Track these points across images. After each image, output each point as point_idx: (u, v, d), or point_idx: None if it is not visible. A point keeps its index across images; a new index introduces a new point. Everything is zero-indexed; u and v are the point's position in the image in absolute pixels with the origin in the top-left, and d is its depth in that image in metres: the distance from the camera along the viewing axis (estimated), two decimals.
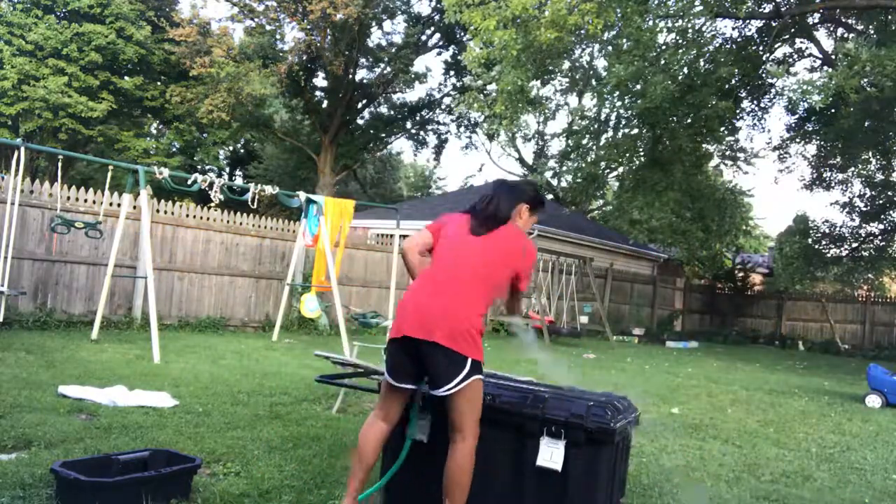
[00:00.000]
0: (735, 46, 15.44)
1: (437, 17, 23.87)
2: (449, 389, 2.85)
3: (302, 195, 10.05)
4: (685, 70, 14.00)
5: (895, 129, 15.67)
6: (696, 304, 23.98)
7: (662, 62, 13.22)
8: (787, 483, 4.58)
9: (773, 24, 14.33)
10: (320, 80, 25.89)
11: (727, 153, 18.48)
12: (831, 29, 17.61)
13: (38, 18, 19.64)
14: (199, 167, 27.04)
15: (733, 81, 15.15)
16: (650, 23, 12.95)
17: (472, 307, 2.93)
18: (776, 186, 74.50)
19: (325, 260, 9.95)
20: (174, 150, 24.36)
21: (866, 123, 15.53)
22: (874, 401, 8.92)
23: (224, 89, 20.15)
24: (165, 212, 10.69)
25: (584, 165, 18.25)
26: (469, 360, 2.86)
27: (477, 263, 3.00)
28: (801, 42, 17.29)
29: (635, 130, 16.89)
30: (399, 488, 3.27)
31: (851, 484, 4.72)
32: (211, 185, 8.86)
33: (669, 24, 13.30)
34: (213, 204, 9.61)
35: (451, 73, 26.30)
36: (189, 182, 8.90)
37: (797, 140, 18.81)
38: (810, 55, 17.48)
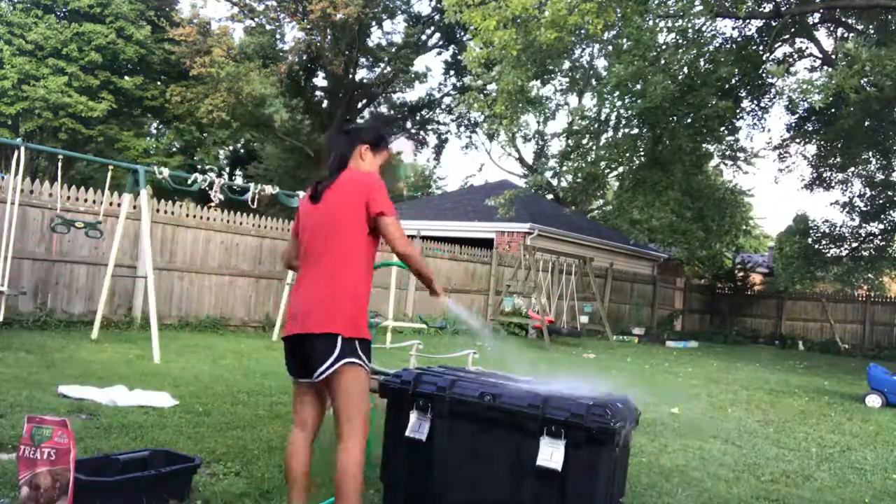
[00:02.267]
0: (735, 46, 15.44)
1: (437, 17, 23.88)
2: (322, 373, 2.66)
3: (302, 195, 10.04)
4: (685, 70, 14.01)
5: (895, 128, 15.68)
6: (696, 304, 23.98)
7: (662, 62, 13.22)
8: (787, 483, 4.59)
9: (773, 24, 14.33)
10: (320, 80, 25.92)
11: (727, 153, 18.47)
12: (831, 29, 17.61)
13: (38, 18, 19.63)
14: (199, 167, 27.03)
15: (733, 81, 15.15)
16: (650, 23, 12.96)
17: (337, 284, 2.71)
18: (776, 186, 74.53)
19: None
20: (174, 149, 24.37)
21: (866, 123, 15.54)
22: (874, 400, 8.92)
23: (224, 89, 20.15)
24: (165, 212, 10.68)
25: (584, 165, 18.27)
26: (339, 338, 2.64)
27: (323, 235, 2.75)
28: (801, 42, 17.30)
29: (635, 130, 16.89)
30: (399, 488, 3.27)
31: (851, 484, 4.72)
32: (211, 184, 8.86)
33: (669, 24, 13.30)
34: (213, 204, 9.60)
35: (451, 72, 26.32)
36: (189, 182, 8.90)
37: (797, 140, 18.82)
38: (810, 55, 17.49)
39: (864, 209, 19.22)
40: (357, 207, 2.74)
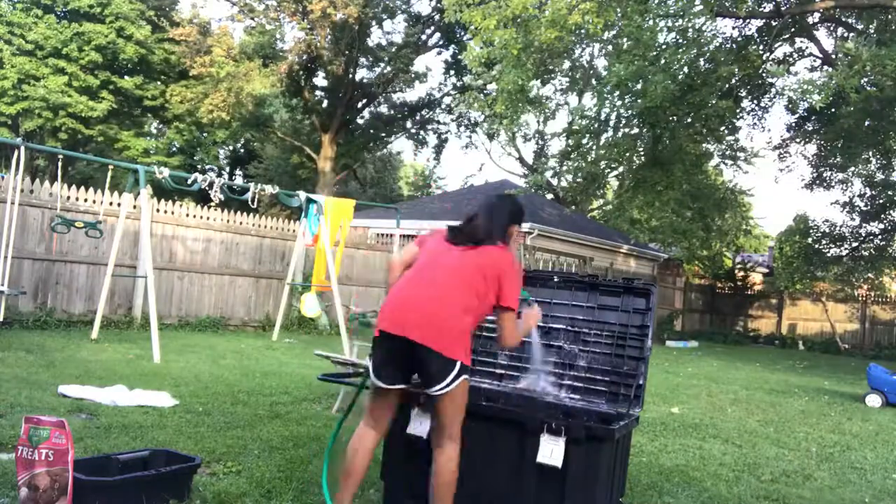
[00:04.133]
0: (735, 46, 15.43)
1: (437, 17, 23.86)
2: (440, 390, 2.79)
3: (302, 195, 10.05)
4: (685, 69, 13.99)
5: (895, 128, 15.66)
6: (696, 304, 23.98)
7: (663, 62, 13.20)
8: (788, 482, 4.58)
9: (774, 24, 14.31)
10: (320, 80, 25.90)
11: (727, 153, 18.45)
12: (831, 28, 17.60)
13: (38, 18, 19.64)
14: (199, 167, 27.05)
15: (733, 81, 15.14)
16: (650, 22, 12.93)
17: (453, 305, 2.83)
18: (776, 186, 74.51)
19: (325, 259, 9.95)
20: (174, 149, 24.37)
21: (866, 123, 15.51)
22: (874, 400, 8.92)
23: (224, 89, 20.16)
24: (165, 211, 10.69)
25: (584, 165, 18.24)
26: (458, 364, 2.79)
27: (455, 266, 2.90)
28: (801, 41, 17.28)
29: (635, 130, 16.87)
30: (399, 486, 3.27)
31: (851, 483, 4.72)
32: (211, 184, 8.86)
33: (669, 24, 13.28)
34: (213, 203, 9.61)
35: (451, 72, 26.29)
36: (189, 182, 8.90)
37: (797, 139, 18.80)
38: (810, 55, 17.47)
39: (865, 209, 19.21)
40: (489, 278, 2.88)
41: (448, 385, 2.78)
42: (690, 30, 13.08)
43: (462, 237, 2.98)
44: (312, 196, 10.17)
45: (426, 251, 3.03)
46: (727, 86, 15.02)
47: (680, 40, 13.45)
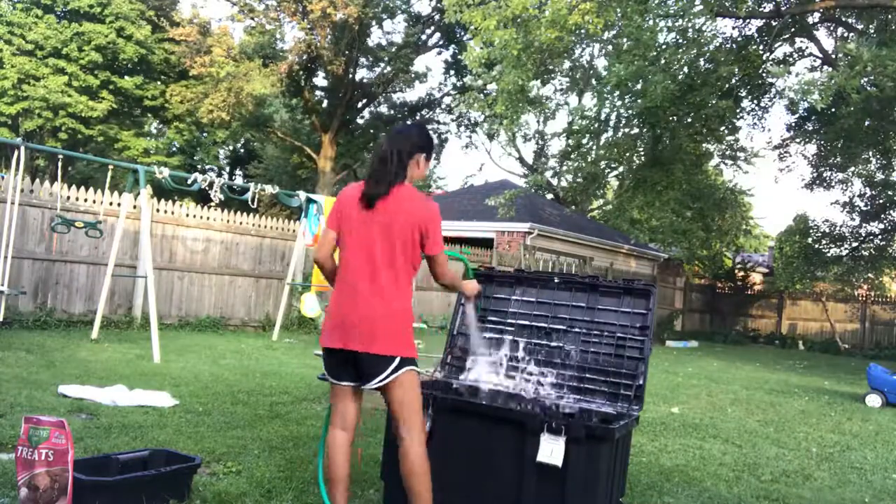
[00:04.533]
0: (735, 46, 15.43)
1: (437, 17, 23.87)
2: (380, 381, 2.80)
3: (302, 195, 10.04)
4: (685, 69, 13.99)
5: (895, 128, 15.67)
6: (697, 304, 23.98)
7: (663, 62, 13.21)
8: (788, 482, 4.58)
9: (774, 24, 14.31)
10: (320, 80, 25.90)
11: (727, 152, 18.47)
12: (831, 28, 17.60)
13: (38, 18, 19.64)
14: (199, 167, 27.06)
15: (733, 81, 15.14)
16: (650, 22, 12.93)
17: (388, 300, 2.81)
18: (776, 186, 74.54)
19: None
20: (174, 149, 24.38)
21: (866, 123, 15.52)
22: (874, 400, 8.92)
23: (224, 89, 20.15)
24: (165, 211, 10.69)
25: (584, 165, 18.26)
26: (397, 359, 2.80)
27: (377, 247, 2.82)
28: (802, 41, 17.29)
29: (635, 130, 16.89)
30: (400, 486, 3.26)
31: (851, 483, 4.72)
32: (211, 184, 8.86)
33: (669, 24, 13.29)
34: (213, 203, 9.61)
35: (452, 72, 26.30)
36: (189, 182, 8.90)
37: (797, 139, 18.80)
38: (810, 55, 17.48)
39: (865, 209, 19.22)
40: (413, 232, 2.84)
41: (386, 378, 2.79)
42: (690, 30, 13.08)
43: (369, 189, 2.86)
44: (312, 196, 10.17)
45: (345, 226, 2.91)
46: (727, 86, 15.02)
47: (680, 40, 13.46)
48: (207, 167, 28.18)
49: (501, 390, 3.53)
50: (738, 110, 16.31)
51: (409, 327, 2.88)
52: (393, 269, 2.84)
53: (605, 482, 2.93)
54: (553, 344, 3.59)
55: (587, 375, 3.48)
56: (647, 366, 3.41)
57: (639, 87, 13.83)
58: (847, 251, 19.75)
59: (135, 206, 9.31)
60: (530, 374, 3.55)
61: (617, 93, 14.68)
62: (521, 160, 31.78)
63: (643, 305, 3.49)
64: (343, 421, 2.96)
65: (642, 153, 17.06)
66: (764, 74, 15.79)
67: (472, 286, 3.50)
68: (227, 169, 31.32)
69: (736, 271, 24.49)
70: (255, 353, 8.73)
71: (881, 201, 18.80)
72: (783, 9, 14.03)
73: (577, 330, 3.58)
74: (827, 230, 19.99)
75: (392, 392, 2.83)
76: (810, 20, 15.99)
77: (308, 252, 11.73)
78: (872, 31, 15.18)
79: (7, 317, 8.06)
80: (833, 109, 15.06)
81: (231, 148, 31.03)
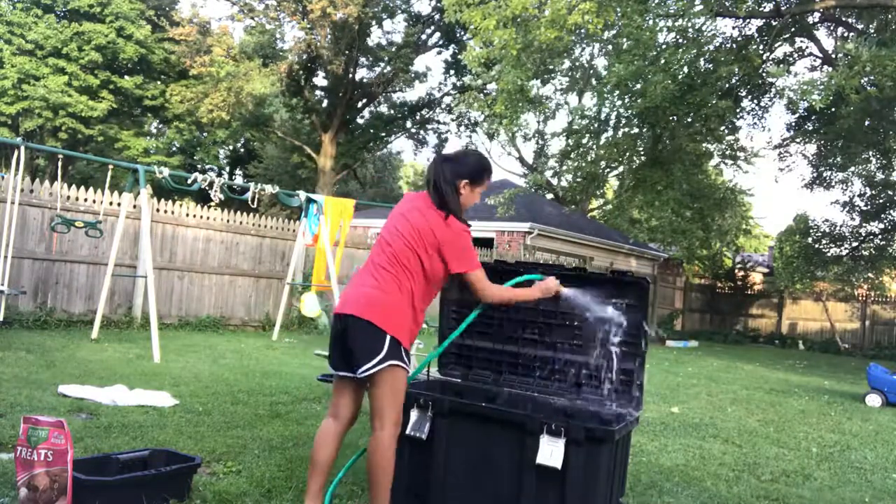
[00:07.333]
0: (735, 46, 15.42)
1: (437, 17, 23.87)
2: (368, 369, 2.78)
3: (302, 194, 10.04)
4: (685, 69, 13.98)
5: (895, 128, 15.66)
6: (697, 304, 23.98)
7: (662, 61, 13.20)
8: (787, 482, 4.58)
9: (773, 24, 14.30)
10: (320, 80, 25.91)
11: (727, 152, 18.46)
12: (831, 28, 17.60)
13: (38, 18, 19.63)
14: (199, 166, 27.05)
15: (733, 81, 15.13)
16: (650, 22, 12.93)
17: (388, 292, 2.84)
18: (776, 185, 74.55)
19: (325, 259, 9.95)
20: (174, 149, 24.36)
21: (866, 123, 15.52)
22: (874, 400, 8.92)
23: (224, 88, 20.16)
24: (165, 211, 10.69)
25: (584, 165, 18.24)
26: (388, 337, 2.78)
27: (392, 246, 2.92)
28: (802, 41, 17.28)
29: (635, 130, 16.87)
30: (400, 487, 3.26)
31: (851, 483, 4.72)
32: (211, 184, 8.86)
33: (669, 24, 13.28)
34: (213, 203, 9.61)
35: (451, 72, 26.31)
36: (189, 181, 8.90)
37: (797, 139, 18.80)
38: (810, 54, 17.47)
39: (865, 208, 19.22)
40: (427, 248, 2.89)
41: (373, 366, 2.77)
42: (690, 30, 13.07)
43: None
44: (312, 196, 10.16)
45: (385, 226, 3.09)
46: (727, 86, 15.01)
47: (680, 40, 13.45)
48: (207, 167, 28.16)
49: (501, 391, 3.52)
50: (738, 110, 16.30)
51: (403, 316, 2.86)
52: (396, 268, 2.90)
53: (604, 483, 2.93)
54: (546, 340, 3.56)
55: (586, 373, 3.48)
56: (644, 361, 3.41)
57: (639, 86, 13.82)
58: (847, 251, 19.75)
59: (135, 206, 9.31)
60: (525, 374, 3.54)
61: (617, 93, 14.67)
62: (521, 160, 31.79)
63: (635, 299, 3.46)
64: (336, 411, 2.98)
65: (642, 153, 17.05)
66: (764, 74, 15.79)
67: (546, 287, 3.21)
68: (227, 169, 31.32)
69: (736, 271, 24.49)
70: (255, 352, 8.73)
71: (881, 201, 18.80)
72: (783, 9, 14.02)
73: (567, 324, 3.51)
74: (827, 230, 19.99)
75: (376, 383, 2.83)
76: (810, 20, 15.98)
77: (308, 252, 11.73)
78: (872, 30, 15.18)
79: (7, 316, 8.06)
80: (833, 109, 15.05)
81: (231, 148, 31.02)
